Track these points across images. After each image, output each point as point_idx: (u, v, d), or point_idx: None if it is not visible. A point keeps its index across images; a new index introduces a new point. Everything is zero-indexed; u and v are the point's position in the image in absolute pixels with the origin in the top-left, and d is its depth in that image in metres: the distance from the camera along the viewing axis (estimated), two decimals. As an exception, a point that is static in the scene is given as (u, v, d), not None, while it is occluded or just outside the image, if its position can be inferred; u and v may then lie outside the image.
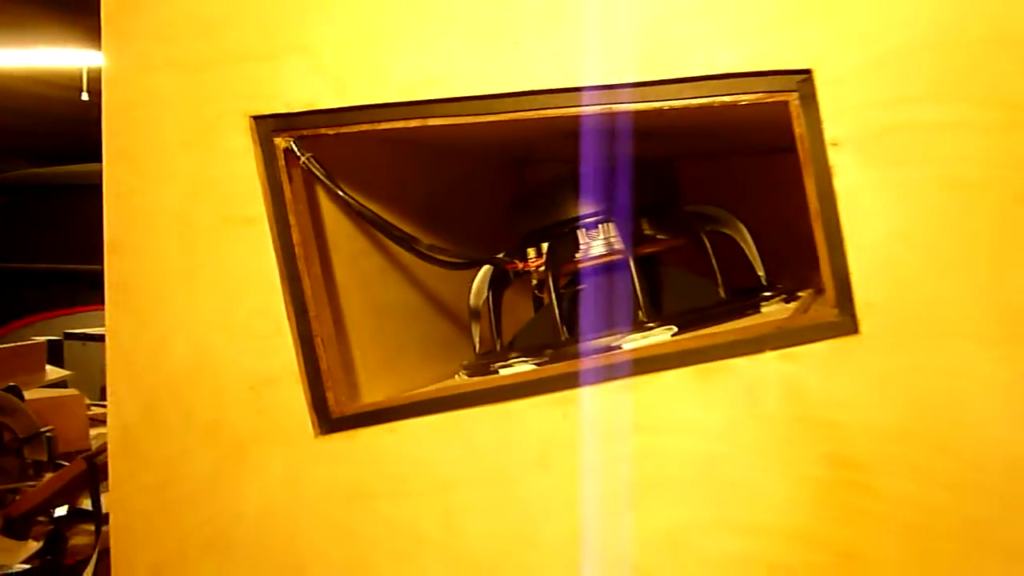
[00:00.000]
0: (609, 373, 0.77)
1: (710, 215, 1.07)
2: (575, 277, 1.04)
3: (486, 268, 1.06)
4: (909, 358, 0.66)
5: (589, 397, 0.77)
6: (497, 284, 1.07)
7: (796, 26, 0.68)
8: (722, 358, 0.73)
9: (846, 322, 0.68)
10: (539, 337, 1.01)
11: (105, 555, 1.37)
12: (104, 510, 1.48)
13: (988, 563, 0.64)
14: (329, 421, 0.86)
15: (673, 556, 0.73)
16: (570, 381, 0.78)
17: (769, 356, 0.70)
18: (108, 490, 1.26)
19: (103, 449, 1.53)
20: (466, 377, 1.00)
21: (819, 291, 0.86)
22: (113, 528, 0.97)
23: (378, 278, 1.02)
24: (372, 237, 1.01)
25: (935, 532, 0.65)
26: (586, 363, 0.81)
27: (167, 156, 0.91)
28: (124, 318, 0.94)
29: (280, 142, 0.87)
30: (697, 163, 1.17)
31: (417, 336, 1.09)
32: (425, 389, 0.96)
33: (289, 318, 0.87)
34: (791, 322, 0.75)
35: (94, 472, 1.45)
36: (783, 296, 0.94)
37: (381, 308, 1.02)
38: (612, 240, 1.01)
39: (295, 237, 0.87)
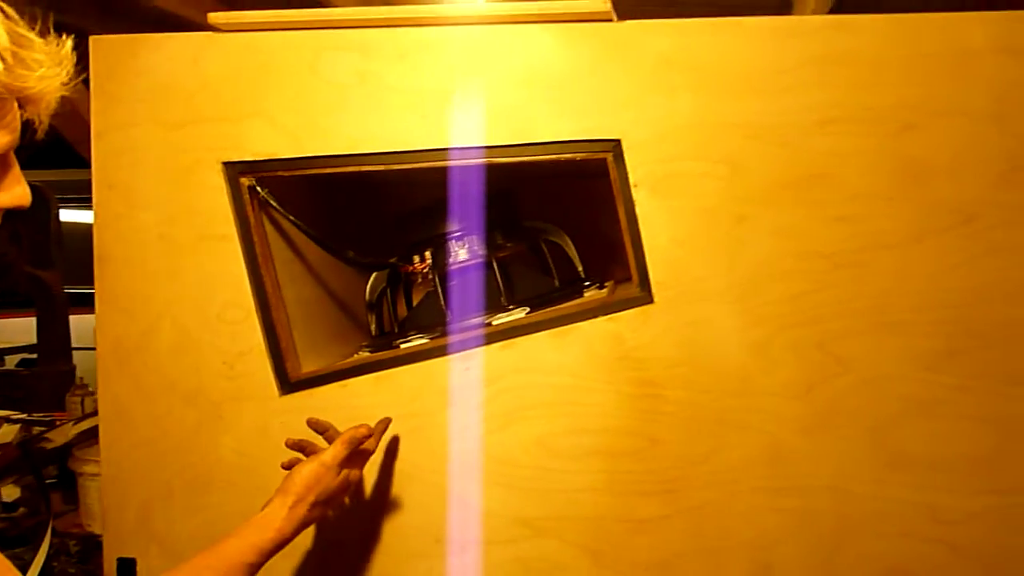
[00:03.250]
0: (491, 339, 1.20)
1: (543, 228, 1.51)
2: (450, 275, 1.45)
3: (379, 270, 1.46)
4: (683, 316, 1.13)
5: (480, 355, 1.19)
6: (391, 282, 1.47)
7: (611, 113, 1.14)
8: (568, 324, 1.18)
9: (646, 296, 1.14)
10: (425, 320, 1.41)
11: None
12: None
13: (727, 431, 1.11)
14: (288, 384, 1.24)
15: (542, 454, 1.17)
16: (466, 345, 1.20)
17: (600, 320, 1.16)
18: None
19: (37, 437, 1.79)
20: (369, 353, 1.38)
21: (619, 280, 1.32)
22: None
23: (301, 279, 1.39)
24: (295, 249, 1.38)
25: (699, 419, 1.13)
26: (473, 333, 1.23)
27: (151, 189, 1.25)
28: (113, 314, 1.27)
29: (245, 181, 1.23)
30: (538, 186, 1.61)
31: (326, 323, 1.46)
32: (357, 358, 1.34)
33: (255, 308, 1.23)
34: (612, 298, 1.21)
35: (31, 456, 1.70)
36: (597, 285, 1.39)
37: (304, 302, 1.39)
38: (475, 248, 1.43)
39: (257, 249, 1.24)
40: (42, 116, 0.78)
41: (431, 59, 1.19)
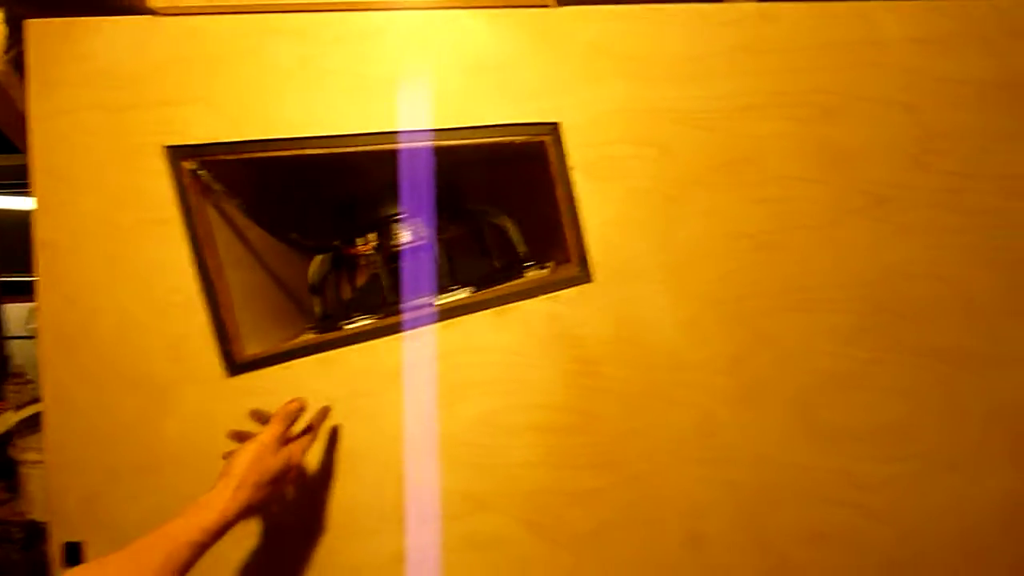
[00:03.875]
0: (435, 317, 1.24)
1: (485, 210, 1.56)
2: (394, 257, 1.49)
3: (323, 253, 1.49)
4: (619, 294, 1.18)
5: (424, 334, 1.24)
6: (335, 265, 1.50)
7: (549, 98, 1.18)
8: (509, 303, 1.22)
9: (584, 275, 1.19)
10: (370, 302, 1.45)
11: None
12: None
13: (660, 406, 1.17)
14: (235, 365, 1.26)
15: (485, 430, 1.22)
16: (410, 325, 1.24)
17: (539, 299, 1.21)
18: None
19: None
20: (314, 334, 1.42)
21: (560, 261, 1.37)
22: (50, 465, 1.30)
23: (245, 263, 1.42)
24: (238, 232, 1.40)
25: (634, 394, 1.18)
26: (416, 313, 1.27)
27: (93, 174, 1.26)
28: (55, 300, 1.28)
29: (187, 165, 1.25)
30: (480, 170, 1.65)
31: (270, 307, 1.49)
32: (302, 339, 1.37)
33: (200, 291, 1.25)
34: (552, 278, 1.25)
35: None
36: (538, 265, 1.43)
37: (248, 285, 1.41)
38: (418, 230, 1.47)
39: (200, 232, 1.26)
40: None
41: (372, 44, 1.22)
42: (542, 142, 1.21)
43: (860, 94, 1.12)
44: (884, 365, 1.14)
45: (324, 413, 1.23)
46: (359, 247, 1.48)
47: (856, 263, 1.13)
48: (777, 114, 1.12)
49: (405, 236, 1.48)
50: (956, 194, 1.12)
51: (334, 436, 1.26)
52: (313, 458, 1.25)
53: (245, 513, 1.08)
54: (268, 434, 1.13)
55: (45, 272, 1.29)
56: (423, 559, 1.24)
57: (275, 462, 1.12)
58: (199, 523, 1.04)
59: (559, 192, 1.21)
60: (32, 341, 3.04)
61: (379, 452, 1.25)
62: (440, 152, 1.26)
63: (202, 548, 1.03)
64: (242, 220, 1.38)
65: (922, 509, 1.15)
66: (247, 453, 1.11)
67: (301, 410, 1.17)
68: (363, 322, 1.35)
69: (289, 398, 1.23)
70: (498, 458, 1.21)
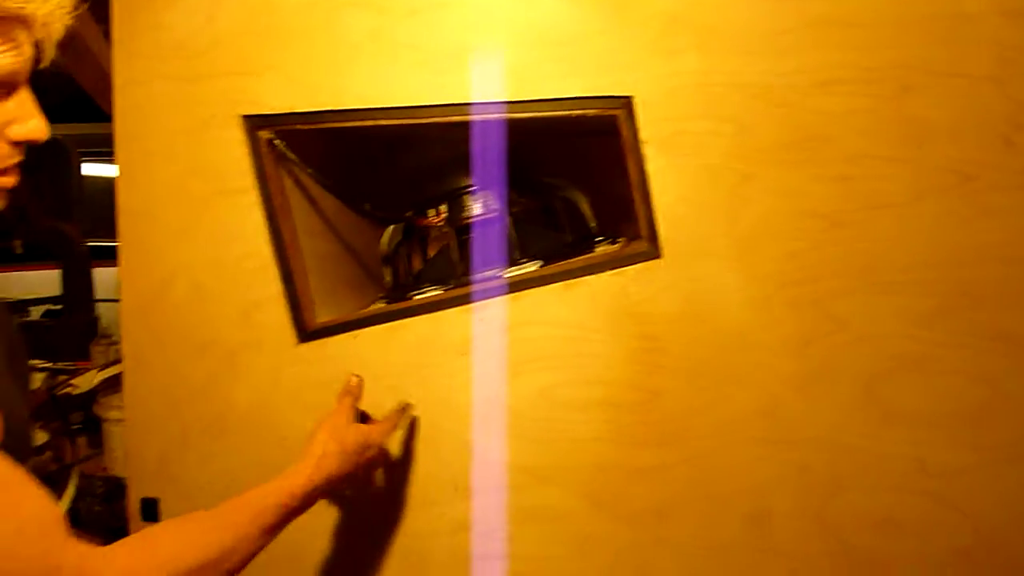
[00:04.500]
0: (503, 290, 1.25)
1: (557, 184, 1.56)
2: (465, 229, 1.50)
3: (395, 224, 1.51)
4: (687, 271, 1.18)
5: (491, 306, 1.25)
6: (406, 236, 1.52)
7: (620, 72, 1.17)
8: (577, 277, 1.23)
9: (653, 251, 1.19)
10: (439, 273, 1.46)
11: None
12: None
13: (726, 385, 1.16)
14: (306, 332, 1.30)
15: (548, 404, 1.22)
16: (477, 297, 1.25)
17: (607, 274, 1.21)
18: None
19: (63, 384, 1.87)
20: (384, 304, 1.44)
21: (630, 237, 1.36)
22: (128, 424, 1.36)
23: (318, 232, 1.45)
24: (312, 202, 1.43)
25: (699, 373, 1.18)
26: (485, 285, 1.28)
27: (170, 143, 1.30)
28: (135, 266, 1.33)
29: (263, 135, 1.28)
30: (552, 144, 1.65)
31: (342, 276, 1.52)
32: (372, 308, 1.39)
33: (274, 258, 1.29)
34: (619, 254, 1.25)
35: (57, 403, 1.79)
36: (608, 240, 1.43)
37: (320, 254, 1.44)
38: (489, 203, 1.48)
39: (275, 201, 1.29)
40: (45, 44, 0.81)
41: (443, 16, 1.23)
42: (615, 116, 1.20)
43: (944, 70, 1.08)
44: (961, 350, 1.10)
45: (404, 409, 1.26)
46: (430, 218, 1.49)
47: (935, 245, 1.10)
48: (856, 90, 1.09)
49: (476, 208, 1.49)
50: (1043, 175, 1.08)
51: (413, 425, 1.28)
52: (394, 442, 1.28)
53: (330, 483, 1.11)
54: (339, 409, 1.15)
55: (125, 238, 1.34)
56: (487, 530, 1.26)
57: (353, 435, 1.14)
58: (287, 488, 1.06)
59: (630, 167, 1.20)
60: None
61: (441, 421, 1.27)
62: (512, 125, 1.27)
63: (289, 513, 1.05)
64: (316, 190, 1.41)
65: (997, 499, 1.11)
66: (324, 427, 1.14)
67: (361, 383, 1.21)
68: (432, 293, 1.37)
69: (355, 366, 1.26)
70: (560, 432, 1.22)
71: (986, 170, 1.09)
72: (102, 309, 4.16)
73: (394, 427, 1.24)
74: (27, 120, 0.83)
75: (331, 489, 1.12)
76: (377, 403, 1.28)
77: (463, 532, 1.26)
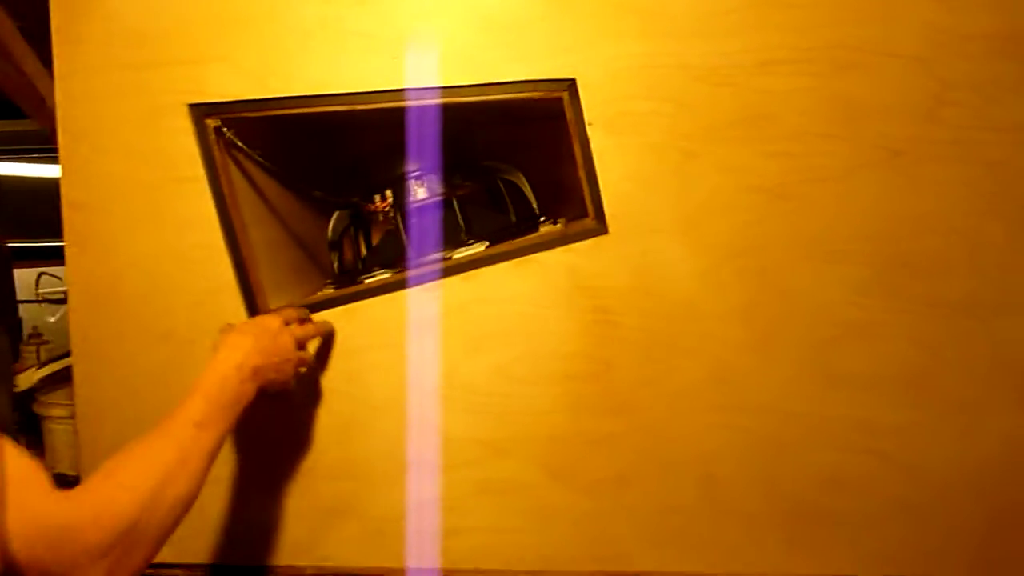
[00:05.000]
0: (453, 271, 1.28)
1: (499, 167, 1.59)
2: (411, 213, 1.52)
3: (343, 209, 1.52)
4: (635, 246, 1.22)
5: (444, 286, 1.27)
6: (353, 221, 1.54)
7: (564, 55, 1.21)
8: (528, 255, 1.26)
9: (601, 227, 1.23)
10: (387, 257, 1.48)
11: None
12: None
13: (677, 354, 1.21)
14: (260, 318, 1.30)
15: (504, 378, 1.26)
16: (429, 277, 1.28)
17: (557, 251, 1.25)
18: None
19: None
20: (333, 289, 1.45)
21: (571, 218, 1.40)
22: (80, 417, 1.35)
23: (265, 220, 1.45)
24: (258, 190, 1.43)
25: (651, 343, 1.23)
26: (435, 266, 1.30)
27: (118, 134, 1.29)
28: (83, 259, 1.32)
29: (211, 123, 1.29)
30: (494, 128, 1.68)
31: (288, 262, 1.53)
32: (327, 292, 1.41)
33: (225, 246, 1.29)
34: (568, 231, 1.29)
35: None
36: (551, 221, 1.46)
37: (268, 242, 1.45)
38: (434, 187, 1.50)
39: (225, 189, 1.30)
40: None
41: (390, 3, 1.25)
42: (559, 98, 1.23)
43: (875, 49, 1.14)
44: (897, 315, 1.17)
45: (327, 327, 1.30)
46: (377, 204, 1.51)
47: (871, 216, 1.16)
48: (794, 70, 1.15)
49: (420, 193, 1.51)
50: (968, 147, 1.15)
51: (356, 382, 1.31)
52: (335, 403, 1.31)
53: (246, 369, 1.10)
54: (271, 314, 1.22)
55: (72, 231, 1.33)
56: (448, 504, 1.29)
57: (269, 324, 1.18)
58: (202, 379, 1.08)
59: (576, 147, 1.23)
60: (40, 305, 3.09)
61: (398, 401, 1.29)
62: (457, 109, 1.29)
63: (214, 402, 1.06)
64: (261, 177, 1.41)
65: (933, 453, 1.19)
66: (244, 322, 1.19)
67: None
68: (382, 276, 1.39)
69: (311, 350, 1.27)
70: (518, 405, 1.26)
71: (913, 144, 1.16)
72: (22, 310, 4.06)
73: (317, 332, 1.28)
74: None
75: (255, 378, 1.11)
76: (335, 387, 1.30)
77: (425, 507, 1.29)
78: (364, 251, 1.62)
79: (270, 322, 1.19)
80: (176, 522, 0.96)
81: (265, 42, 1.27)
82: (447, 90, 1.26)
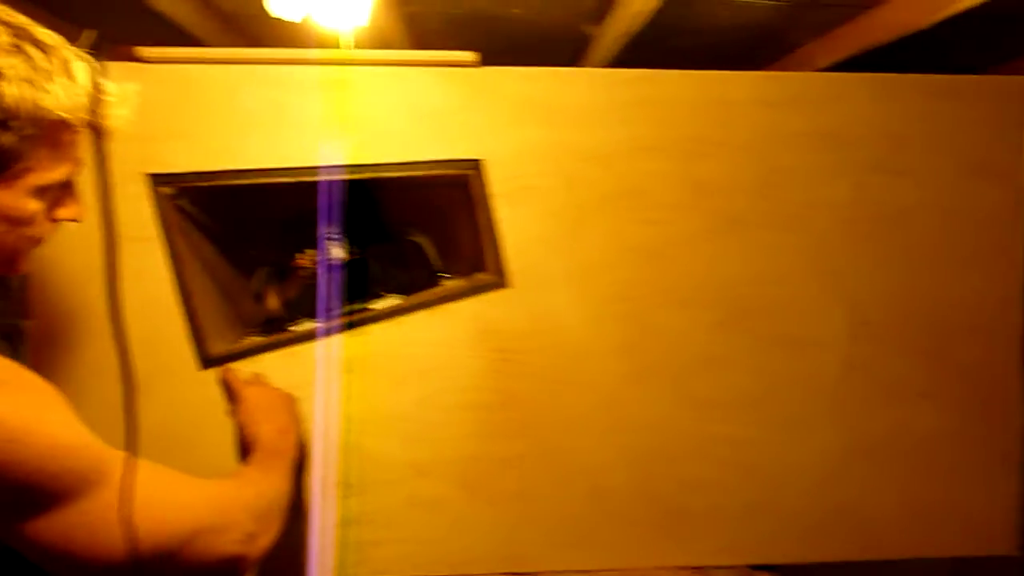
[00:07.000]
0: (380, 317, 1.50)
1: (406, 230, 1.83)
2: (330, 268, 1.73)
3: (270, 265, 1.72)
4: (533, 297, 1.49)
5: (371, 332, 1.49)
6: (277, 276, 1.74)
7: (478, 138, 1.47)
8: (440, 304, 1.50)
9: (501, 282, 1.48)
10: (308, 308, 1.68)
11: None
12: None
13: (569, 385, 1.47)
14: (208, 360, 1.48)
15: (424, 409, 1.49)
16: (355, 325, 1.49)
17: (466, 301, 1.50)
18: None
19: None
20: (261, 337, 1.63)
21: (471, 272, 1.65)
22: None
23: (200, 274, 1.63)
24: (194, 246, 1.61)
25: (547, 377, 1.49)
26: (360, 315, 1.52)
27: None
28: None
29: (164, 190, 1.47)
30: (409, 193, 1.92)
31: (217, 310, 1.70)
32: (253, 340, 1.59)
33: (178, 296, 1.47)
34: (473, 284, 1.54)
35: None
36: (450, 276, 1.71)
37: (203, 292, 1.62)
38: (349, 247, 1.73)
39: (177, 247, 1.48)
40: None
41: (330, 92, 1.48)
42: (467, 175, 1.49)
43: (717, 140, 1.47)
44: (739, 350, 1.49)
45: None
46: (300, 260, 1.72)
47: (719, 271, 1.48)
48: (658, 155, 1.46)
49: (338, 252, 1.73)
50: (791, 219, 1.49)
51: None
52: None
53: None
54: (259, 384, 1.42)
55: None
56: (376, 520, 1.49)
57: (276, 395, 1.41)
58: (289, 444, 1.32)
59: (480, 215, 1.49)
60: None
61: (336, 430, 1.49)
62: (376, 181, 1.52)
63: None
64: (198, 237, 1.60)
65: (769, 461, 1.50)
66: (267, 395, 1.41)
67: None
68: (308, 325, 1.59)
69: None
70: (437, 432, 1.49)
71: (750, 215, 1.48)
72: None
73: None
74: (72, 203, 1.03)
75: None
76: (274, 420, 1.49)
77: (355, 524, 1.48)
78: (280, 304, 1.81)
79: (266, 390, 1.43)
80: None
81: (217, 123, 1.48)
82: (371, 167, 1.50)
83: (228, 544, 1.05)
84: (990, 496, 1.59)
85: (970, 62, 2.08)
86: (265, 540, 1.13)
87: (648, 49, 1.89)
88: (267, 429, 1.33)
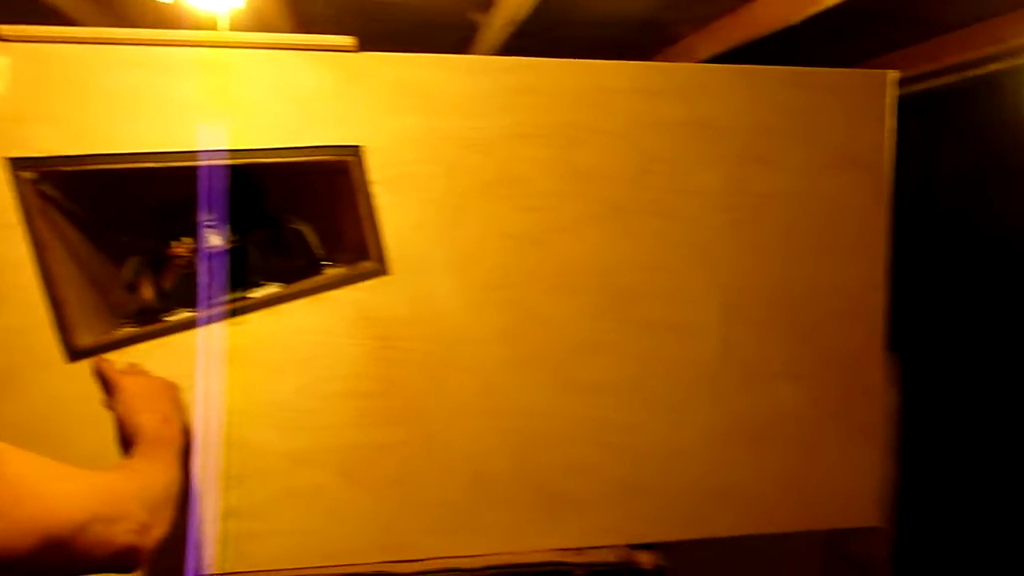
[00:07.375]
0: (259, 306, 1.48)
1: (287, 217, 1.80)
2: (207, 257, 1.69)
3: (143, 254, 1.67)
4: (413, 284, 1.48)
5: (249, 320, 1.46)
6: (150, 264, 1.69)
7: (356, 125, 1.46)
8: (320, 292, 1.48)
9: (382, 269, 1.47)
10: (185, 298, 1.64)
11: None
12: None
13: (450, 371, 1.47)
14: (76, 352, 1.43)
15: (302, 398, 1.47)
16: (233, 314, 1.46)
17: (346, 289, 1.48)
18: None
19: None
20: (132, 328, 1.59)
21: (349, 261, 1.64)
22: None
23: (66, 261, 1.57)
24: (61, 234, 1.55)
25: (428, 364, 1.48)
26: (237, 304, 1.49)
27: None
28: None
29: (25, 175, 1.41)
30: (284, 182, 1.89)
31: (85, 300, 1.64)
32: (127, 331, 1.54)
33: (42, 287, 1.41)
34: (353, 272, 1.52)
35: None
36: (331, 264, 1.69)
37: (69, 281, 1.57)
38: (228, 235, 1.69)
39: (41, 235, 1.42)
40: None
41: (199, 75, 1.44)
42: (347, 162, 1.47)
43: (597, 128, 1.49)
44: (620, 335, 1.51)
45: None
46: (176, 248, 1.67)
47: (598, 257, 1.50)
48: (539, 142, 1.47)
49: (216, 239, 1.69)
50: (666, 205, 1.52)
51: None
52: None
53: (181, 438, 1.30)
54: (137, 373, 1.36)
55: None
56: (254, 512, 1.46)
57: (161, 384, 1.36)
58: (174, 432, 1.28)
59: (360, 203, 1.48)
60: None
61: (213, 422, 1.46)
62: (254, 167, 1.50)
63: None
64: (65, 223, 1.54)
65: (650, 444, 1.53)
66: (146, 384, 1.34)
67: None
68: (185, 314, 1.55)
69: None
70: (316, 420, 1.47)
71: (628, 202, 1.51)
72: None
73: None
74: None
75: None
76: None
77: (233, 517, 1.45)
78: (158, 292, 1.76)
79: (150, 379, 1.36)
80: None
81: (82, 105, 1.42)
82: (249, 152, 1.47)
83: (121, 534, 1.03)
84: (856, 472, 1.66)
85: (841, 57, 2.17)
86: (159, 531, 1.11)
87: (536, 39, 1.91)
88: (148, 419, 1.29)
